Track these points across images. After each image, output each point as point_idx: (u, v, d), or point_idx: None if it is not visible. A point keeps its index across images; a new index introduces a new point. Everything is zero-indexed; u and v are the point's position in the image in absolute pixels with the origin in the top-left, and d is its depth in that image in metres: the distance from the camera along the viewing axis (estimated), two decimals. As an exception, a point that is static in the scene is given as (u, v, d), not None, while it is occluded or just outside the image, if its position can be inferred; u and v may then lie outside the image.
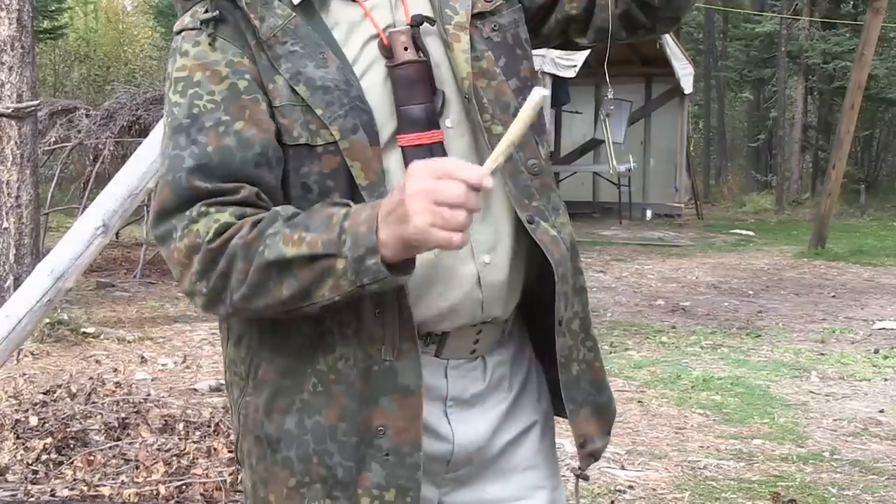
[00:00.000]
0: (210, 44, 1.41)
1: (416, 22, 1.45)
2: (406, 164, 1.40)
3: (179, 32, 1.45)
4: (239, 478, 3.74)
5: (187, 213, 1.35)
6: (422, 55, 1.44)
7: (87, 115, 10.01)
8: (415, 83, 1.42)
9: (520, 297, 1.53)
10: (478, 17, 1.50)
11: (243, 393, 1.47)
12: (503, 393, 1.55)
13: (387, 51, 1.43)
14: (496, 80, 1.49)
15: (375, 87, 1.42)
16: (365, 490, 1.41)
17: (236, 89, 1.39)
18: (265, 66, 1.40)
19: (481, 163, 1.41)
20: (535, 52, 1.60)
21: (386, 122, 1.42)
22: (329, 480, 1.41)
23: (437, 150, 1.41)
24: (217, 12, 1.41)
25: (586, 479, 1.61)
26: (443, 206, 1.21)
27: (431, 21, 1.46)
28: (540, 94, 1.25)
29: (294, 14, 1.42)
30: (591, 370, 1.58)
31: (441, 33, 1.48)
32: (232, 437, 4.20)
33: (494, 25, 1.51)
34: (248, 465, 1.49)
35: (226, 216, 1.34)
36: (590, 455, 1.59)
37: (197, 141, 1.37)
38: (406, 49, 1.43)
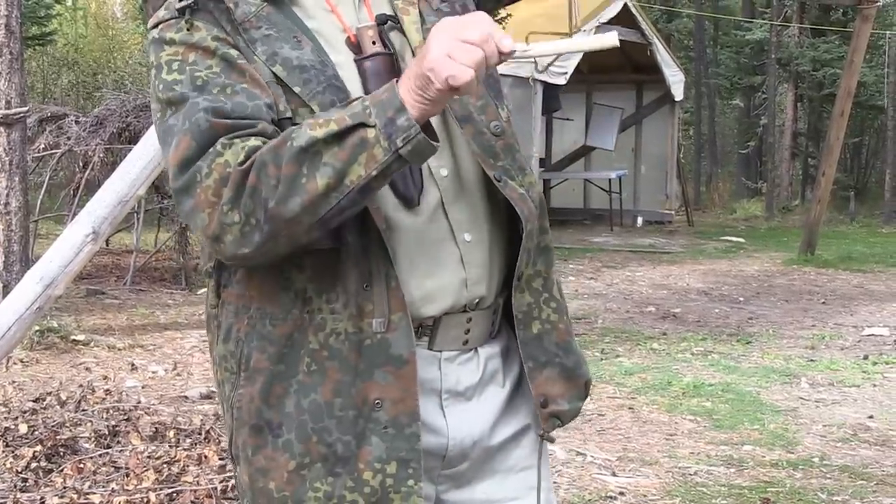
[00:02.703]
0: (188, 29, 1.44)
1: (381, 21, 1.51)
2: None
3: (156, 26, 1.47)
4: (230, 485, 3.74)
5: (211, 149, 1.36)
6: (389, 49, 1.50)
7: (77, 122, 9.98)
8: (384, 74, 1.46)
9: (503, 278, 1.55)
10: None
11: (235, 387, 1.48)
12: (497, 387, 1.57)
13: (355, 46, 1.48)
14: None
15: (347, 80, 1.47)
16: (367, 464, 1.42)
17: (230, 57, 1.43)
18: (242, 48, 1.44)
19: (451, 150, 1.50)
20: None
21: None
22: (330, 458, 1.42)
23: None
24: (192, 1, 1.44)
25: (552, 440, 1.60)
26: (463, 42, 1.27)
27: (395, 20, 1.52)
28: (613, 40, 1.33)
29: (265, 3, 1.47)
30: (556, 331, 1.58)
31: (400, 30, 1.54)
32: (223, 444, 4.19)
33: None
34: (243, 459, 1.49)
35: (252, 141, 1.36)
36: (553, 416, 1.57)
37: (209, 96, 1.40)
38: (374, 43, 1.48)
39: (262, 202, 1.32)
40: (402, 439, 1.42)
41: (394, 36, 1.52)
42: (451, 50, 1.27)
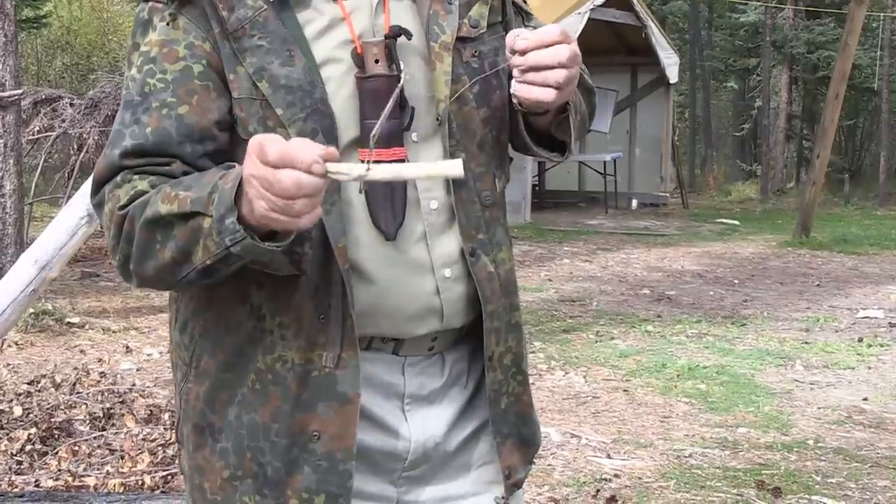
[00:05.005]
0: (170, 23, 1.40)
1: (394, 34, 1.41)
2: None
3: (147, 1, 1.43)
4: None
5: (113, 180, 1.38)
6: (395, 69, 1.40)
7: (72, 105, 9.96)
8: (382, 98, 1.36)
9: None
10: (461, 40, 1.48)
11: (185, 378, 1.48)
12: (461, 389, 1.55)
13: (359, 60, 1.40)
14: (468, 106, 1.47)
15: (342, 93, 1.40)
16: (294, 492, 1.41)
17: (190, 72, 1.38)
18: (228, 55, 1.38)
19: (447, 183, 1.44)
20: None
21: (348, 129, 1.40)
22: (260, 477, 1.42)
23: None
24: None
25: None
26: (277, 197, 1.19)
27: (409, 35, 1.42)
28: (458, 169, 1.23)
29: (265, 7, 1.38)
30: (519, 403, 1.57)
31: (423, 49, 1.45)
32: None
33: (475, 52, 1.49)
34: (186, 449, 1.49)
35: (144, 184, 1.35)
36: (514, 485, 1.58)
37: (139, 121, 1.38)
38: (377, 62, 1.40)
39: (132, 252, 1.35)
40: (335, 474, 1.41)
41: (410, 53, 1.42)
42: (272, 206, 1.20)
